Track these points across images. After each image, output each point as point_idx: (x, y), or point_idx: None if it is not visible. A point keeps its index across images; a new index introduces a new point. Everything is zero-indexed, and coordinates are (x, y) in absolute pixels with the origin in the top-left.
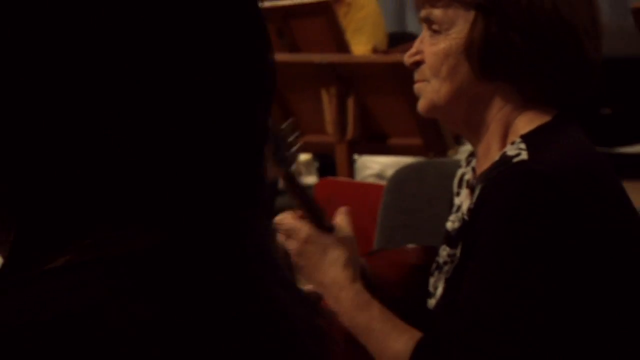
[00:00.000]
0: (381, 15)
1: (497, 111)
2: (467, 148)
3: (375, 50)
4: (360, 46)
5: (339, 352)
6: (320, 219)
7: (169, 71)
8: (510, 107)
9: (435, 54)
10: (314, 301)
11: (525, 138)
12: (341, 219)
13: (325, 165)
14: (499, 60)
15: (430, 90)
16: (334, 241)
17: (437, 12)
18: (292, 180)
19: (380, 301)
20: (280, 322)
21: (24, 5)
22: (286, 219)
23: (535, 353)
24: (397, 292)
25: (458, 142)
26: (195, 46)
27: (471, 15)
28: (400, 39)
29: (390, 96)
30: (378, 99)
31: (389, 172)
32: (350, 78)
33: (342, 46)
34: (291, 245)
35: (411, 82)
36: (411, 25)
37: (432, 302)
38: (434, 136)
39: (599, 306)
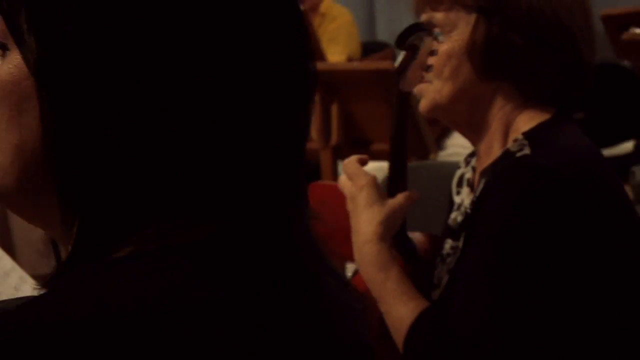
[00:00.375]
0: (354, 25)
1: (498, 110)
2: (447, 152)
3: (350, 60)
4: (335, 56)
5: (374, 334)
6: (397, 169)
7: (224, 74)
8: (511, 106)
9: (439, 56)
10: (354, 287)
11: (527, 135)
12: (410, 193)
13: (307, 171)
14: (500, 60)
15: (432, 90)
16: (382, 200)
17: (439, 16)
18: (405, 104)
19: (412, 273)
20: (331, 307)
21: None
22: (352, 164)
23: (524, 340)
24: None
25: (439, 146)
26: (251, 56)
27: (473, 17)
28: (371, 47)
29: (372, 102)
30: (361, 106)
31: None
32: (334, 85)
33: (318, 56)
34: (348, 188)
35: (393, 88)
36: (381, 34)
37: (436, 293)
38: (416, 141)
39: (593, 296)
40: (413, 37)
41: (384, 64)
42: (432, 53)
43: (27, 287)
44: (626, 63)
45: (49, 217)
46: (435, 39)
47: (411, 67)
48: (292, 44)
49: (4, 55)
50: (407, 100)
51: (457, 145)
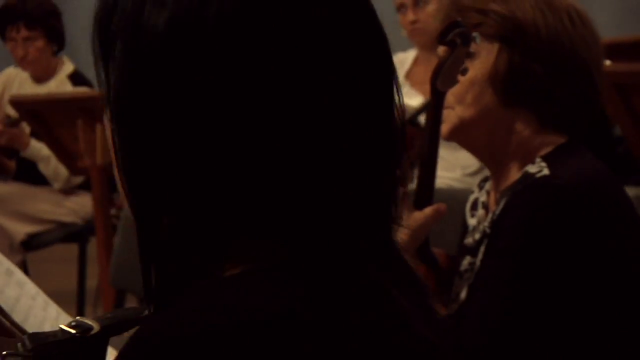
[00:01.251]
0: None
1: (517, 135)
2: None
3: None
4: None
5: None
6: (426, 179)
7: (323, 101)
8: (529, 131)
9: (461, 83)
10: (429, 293)
11: (545, 157)
12: (437, 206)
13: None
14: (521, 88)
15: (454, 115)
16: (408, 212)
17: None
18: (440, 103)
19: (434, 280)
20: (411, 322)
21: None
22: None
23: (533, 353)
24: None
25: None
26: (351, 85)
27: (495, 47)
28: None
29: None
30: None
31: None
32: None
33: None
34: None
35: None
36: None
37: (453, 307)
38: None
39: (606, 310)
40: (453, 33)
41: None
42: (469, 55)
43: (52, 309)
44: None
45: None
46: (473, 40)
47: (448, 66)
48: (387, 81)
49: None
50: (442, 100)
51: None
